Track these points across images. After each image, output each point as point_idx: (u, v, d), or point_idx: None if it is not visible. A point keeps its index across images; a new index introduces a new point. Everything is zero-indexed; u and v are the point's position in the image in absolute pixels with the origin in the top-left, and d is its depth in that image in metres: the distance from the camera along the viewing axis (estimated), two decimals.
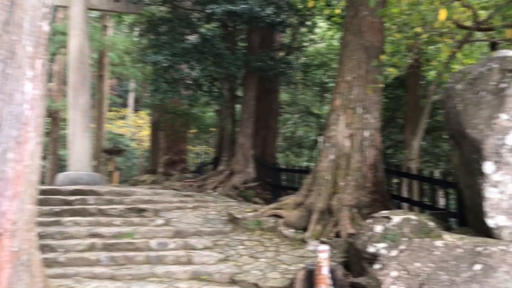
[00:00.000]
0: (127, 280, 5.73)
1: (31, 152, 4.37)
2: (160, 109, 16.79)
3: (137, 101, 37.03)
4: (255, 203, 10.63)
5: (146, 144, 26.33)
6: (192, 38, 11.40)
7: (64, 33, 19.42)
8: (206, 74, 11.04)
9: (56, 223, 7.31)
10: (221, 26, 12.12)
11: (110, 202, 8.58)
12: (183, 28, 11.31)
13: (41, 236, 6.13)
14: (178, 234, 7.37)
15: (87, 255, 6.32)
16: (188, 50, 10.40)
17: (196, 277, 5.96)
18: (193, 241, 7.05)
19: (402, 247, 4.86)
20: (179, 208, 8.65)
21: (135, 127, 27.70)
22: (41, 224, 6.60)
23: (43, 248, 5.78)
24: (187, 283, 5.74)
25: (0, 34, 4.25)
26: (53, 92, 25.07)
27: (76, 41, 11.42)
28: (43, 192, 7.91)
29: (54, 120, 23.86)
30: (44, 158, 20.47)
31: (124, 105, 37.67)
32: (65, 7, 11.87)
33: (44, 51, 4.59)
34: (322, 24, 15.11)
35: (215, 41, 10.35)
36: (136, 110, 32.61)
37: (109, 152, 21.23)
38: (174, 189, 11.39)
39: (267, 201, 11.22)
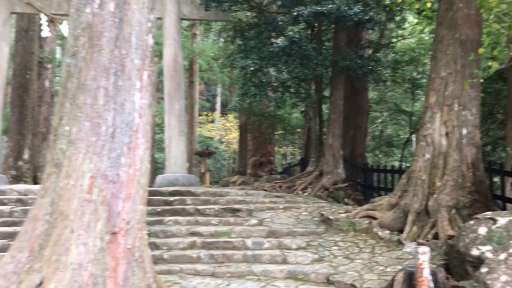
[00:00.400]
0: (227, 278, 5.98)
1: (141, 157, 4.74)
2: (248, 112, 17.19)
3: (224, 104, 38.19)
4: (346, 204, 10.53)
5: (234, 146, 27.06)
6: (279, 41, 11.58)
7: (156, 43, 20.66)
8: (294, 76, 11.13)
9: (159, 222, 7.79)
10: (307, 27, 12.18)
11: (206, 202, 8.97)
12: (269, 32, 11.51)
13: (147, 235, 6.57)
14: (271, 234, 7.54)
15: (188, 252, 6.68)
16: (276, 53, 10.56)
17: (292, 276, 6.07)
18: (287, 241, 7.17)
19: (511, 250, 4.59)
20: (271, 208, 8.83)
21: (223, 130, 28.54)
22: (146, 223, 7.06)
23: (149, 246, 6.19)
24: (284, 282, 5.87)
25: (111, 50, 4.66)
26: None
27: (170, 50, 12.06)
28: None
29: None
30: None
31: (212, 109, 39.01)
32: (159, 18, 12.58)
33: (149, 63, 4.95)
34: (411, 19, 14.60)
35: (302, 42, 10.41)
36: (223, 113, 33.63)
37: (200, 155, 22.14)
38: (264, 190, 11.61)
39: (358, 202, 11.08)
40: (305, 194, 11.09)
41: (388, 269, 5.93)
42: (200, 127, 27.95)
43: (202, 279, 5.86)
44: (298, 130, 20.01)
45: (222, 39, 21.82)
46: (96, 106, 4.53)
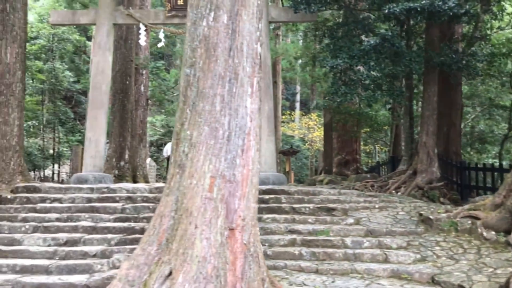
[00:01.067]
0: (330, 275, 6.14)
1: (252, 158, 5.04)
2: (333, 110, 17.20)
3: (303, 103, 38.31)
4: (442, 203, 10.26)
5: (317, 145, 27.09)
6: (367, 39, 11.50)
7: None
8: (386, 73, 11.01)
9: (258, 220, 8.09)
10: (397, 24, 11.98)
11: (301, 201, 9.17)
12: (358, 30, 11.48)
13: None
14: (370, 233, 7.58)
15: (290, 249, 6.92)
16: (367, 51, 10.52)
17: (395, 275, 6.10)
18: (386, 240, 7.19)
19: None
20: (366, 208, 8.86)
21: (305, 128, 28.68)
22: None
23: None
24: (388, 281, 5.91)
25: (226, 59, 5.00)
26: None
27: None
28: None
29: None
30: None
31: (291, 107, 39.21)
32: None
33: (258, 70, 5.24)
34: (510, 10, 13.82)
35: (395, 40, 10.29)
36: (303, 112, 33.75)
37: (285, 154, 22.48)
38: (355, 189, 11.61)
39: (455, 202, 10.75)
40: (399, 193, 10.95)
41: (498, 271, 5.77)
42: (282, 126, 28.30)
43: (307, 275, 6.07)
44: (385, 127, 19.66)
45: (304, 38, 21.96)
46: (214, 112, 4.88)
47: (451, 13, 9.87)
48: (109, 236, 7.47)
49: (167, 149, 16.16)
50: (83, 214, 8.42)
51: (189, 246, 4.53)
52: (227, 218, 4.74)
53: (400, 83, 12.06)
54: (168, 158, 15.83)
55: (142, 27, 13.16)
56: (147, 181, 17.18)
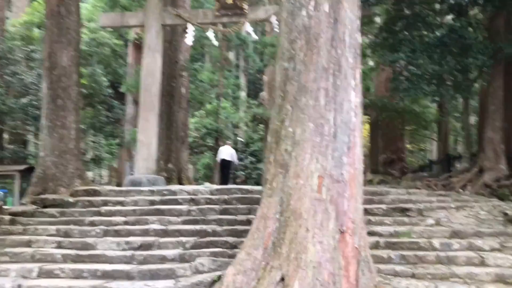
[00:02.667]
0: (430, 280, 5.76)
1: (358, 156, 4.72)
2: (380, 107, 16.73)
3: None
4: None
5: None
6: (426, 32, 11.06)
7: (273, 45, 20.93)
8: (452, 67, 10.53)
9: None
10: (458, 15, 11.49)
11: (371, 201, 8.76)
12: (419, 23, 11.03)
13: None
14: (456, 234, 7.15)
15: (378, 252, 6.56)
16: (431, 44, 10.08)
17: (500, 280, 5.69)
18: (477, 242, 6.76)
19: None
20: (441, 207, 8.40)
21: None
22: None
23: None
24: (494, 286, 5.51)
25: (329, 50, 4.69)
26: (265, 101, 27.19)
27: None
28: None
29: (267, 128, 25.82)
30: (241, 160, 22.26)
31: None
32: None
33: (360, 61, 4.91)
34: None
35: (463, 31, 9.82)
36: None
37: None
38: (417, 188, 11.15)
39: None
40: (466, 192, 10.45)
41: None
42: None
43: (406, 280, 5.70)
44: (433, 124, 19.05)
45: None
46: (318, 107, 4.59)
47: None
48: (183, 239, 7.24)
49: (220, 153, 16.03)
50: (150, 217, 8.23)
51: (302, 251, 4.24)
52: (337, 221, 4.44)
53: (465, 77, 11.54)
54: (221, 163, 15.62)
55: (191, 27, 12.98)
56: (190, 183, 17.03)
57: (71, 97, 10.71)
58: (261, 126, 26.57)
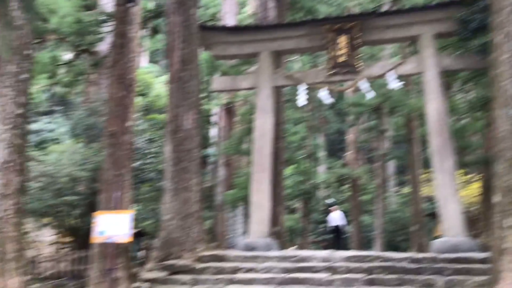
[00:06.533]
0: None
1: None
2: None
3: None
4: None
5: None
6: None
7: (359, 105, 20.60)
8: None
9: None
10: None
11: None
12: None
13: None
14: None
15: None
16: None
17: None
18: None
19: None
20: None
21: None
22: None
23: None
24: None
25: None
26: (350, 161, 26.44)
27: (434, 105, 11.45)
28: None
29: (354, 187, 24.88)
30: (348, 223, 21.26)
31: (425, 165, 36.92)
32: (418, 73, 12.22)
33: None
34: None
35: None
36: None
37: (433, 216, 20.57)
38: None
39: None
40: None
41: None
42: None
43: None
44: None
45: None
46: None
47: None
48: None
49: (331, 219, 15.56)
50: (292, 286, 7.66)
51: None
52: None
53: None
54: (335, 229, 15.10)
55: (303, 87, 12.82)
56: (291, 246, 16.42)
57: (194, 159, 10.68)
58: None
